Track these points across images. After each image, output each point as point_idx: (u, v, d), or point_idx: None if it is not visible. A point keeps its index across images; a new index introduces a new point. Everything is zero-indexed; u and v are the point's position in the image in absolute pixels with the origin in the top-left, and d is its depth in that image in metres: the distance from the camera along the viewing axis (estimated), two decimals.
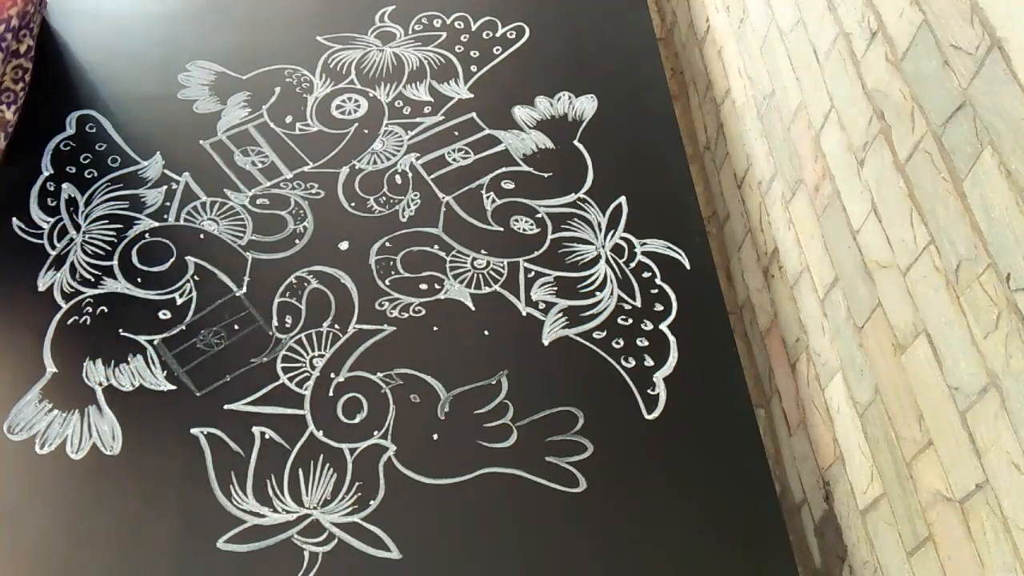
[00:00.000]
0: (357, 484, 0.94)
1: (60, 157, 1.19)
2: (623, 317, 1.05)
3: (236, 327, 1.04)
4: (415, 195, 1.16)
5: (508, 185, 1.17)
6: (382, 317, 1.04)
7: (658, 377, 1.01)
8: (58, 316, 1.05)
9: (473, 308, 1.06)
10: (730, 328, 1.06)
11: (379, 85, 1.28)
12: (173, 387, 1.00)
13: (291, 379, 1.01)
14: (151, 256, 1.10)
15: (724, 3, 1.35)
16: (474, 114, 1.24)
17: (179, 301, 1.06)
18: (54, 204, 1.14)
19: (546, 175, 1.18)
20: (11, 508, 0.93)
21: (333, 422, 0.98)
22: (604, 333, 1.04)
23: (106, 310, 1.05)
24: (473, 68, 1.30)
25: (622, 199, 1.15)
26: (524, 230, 1.13)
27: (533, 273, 1.09)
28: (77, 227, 1.12)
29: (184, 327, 1.04)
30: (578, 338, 1.04)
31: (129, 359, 1.02)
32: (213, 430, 0.97)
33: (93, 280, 1.08)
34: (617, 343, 1.03)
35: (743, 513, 0.93)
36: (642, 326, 1.05)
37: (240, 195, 1.14)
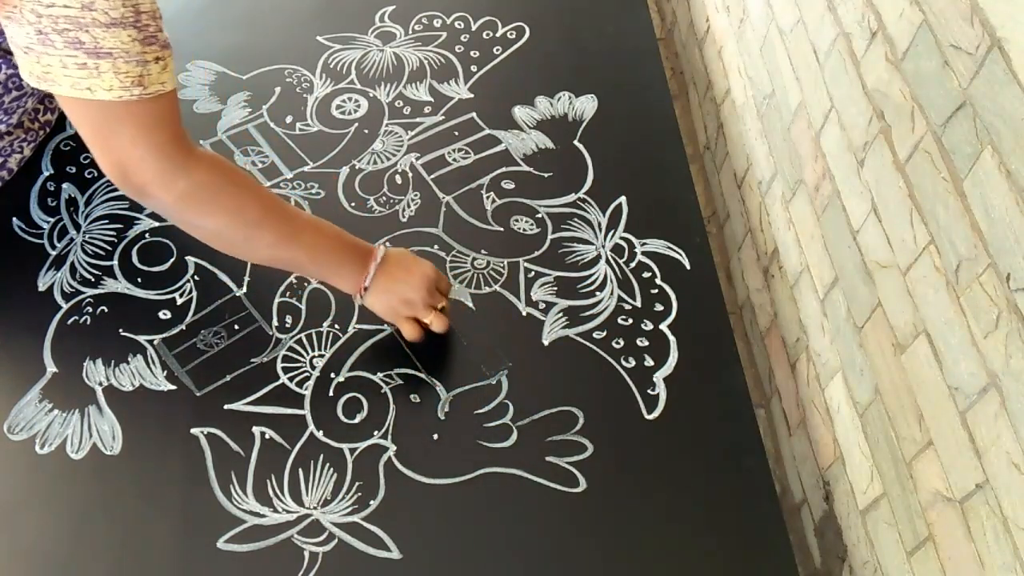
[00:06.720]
0: (357, 484, 0.94)
1: (60, 157, 1.19)
2: (623, 317, 1.05)
3: (236, 327, 1.04)
4: (415, 195, 1.16)
5: (508, 185, 1.17)
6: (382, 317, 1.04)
7: (658, 377, 1.01)
8: (58, 316, 1.05)
9: (473, 308, 1.06)
10: (730, 328, 1.06)
11: (379, 85, 1.28)
12: (173, 387, 1.00)
13: (291, 379, 1.01)
14: (151, 256, 1.10)
15: (724, 3, 1.35)
16: (474, 114, 1.25)
17: (179, 301, 1.06)
18: (54, 204, 1.14)
19: (546, 175, 1.18)
20: (11, 508, 0.93)
21: (333, 422, 0.98)
22: (604, 333, 1.04)
23: (106, 310, 1.05)
24: (473, 68, 1.30)
25: (622, 199, 1.15)
26: (524, 230, 1.13)
27: (533, 273, 1.09)
28: (77, 227, 1.12)
29: (184, 327, 1.04)
30: (578, 338, 1.04)
31: (129, 359, 1.02)
32: (213, 430, 0.97)
33: (93, 280, 1.08)
34: (617, 343, 1.03)
35: (743, 513, 0.93)
36: (642, 326, 1.05)
37: None
